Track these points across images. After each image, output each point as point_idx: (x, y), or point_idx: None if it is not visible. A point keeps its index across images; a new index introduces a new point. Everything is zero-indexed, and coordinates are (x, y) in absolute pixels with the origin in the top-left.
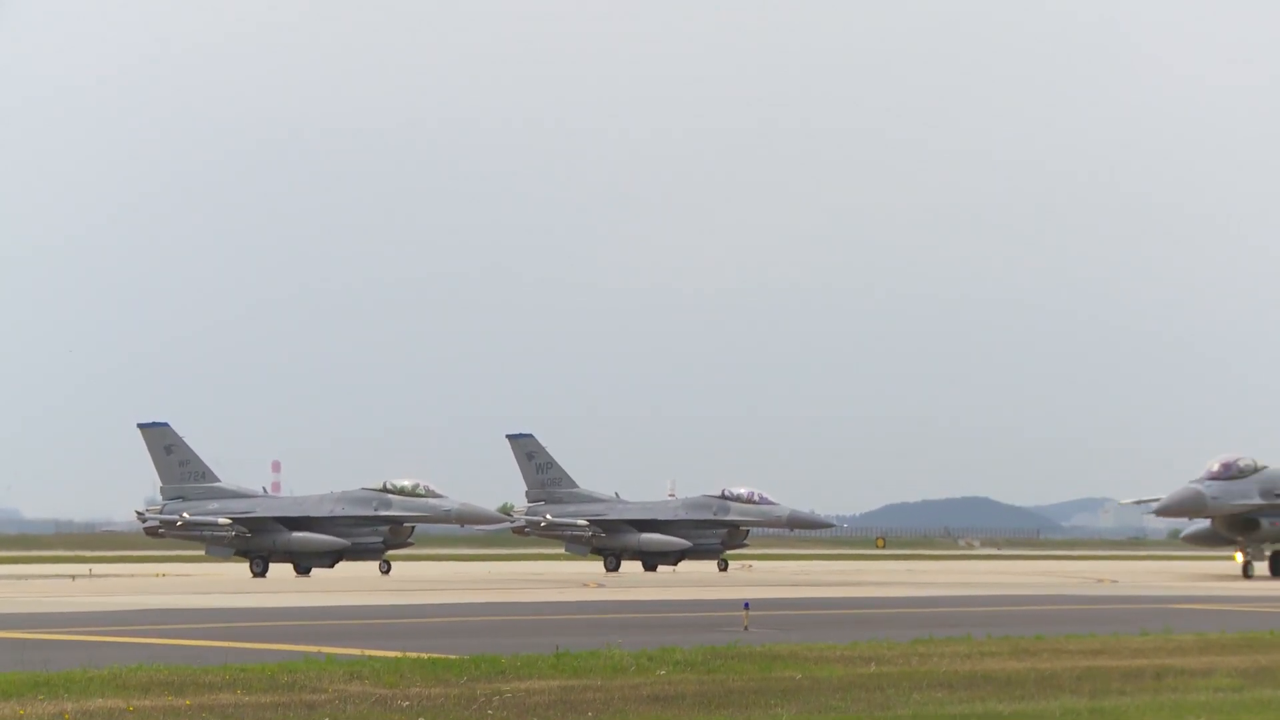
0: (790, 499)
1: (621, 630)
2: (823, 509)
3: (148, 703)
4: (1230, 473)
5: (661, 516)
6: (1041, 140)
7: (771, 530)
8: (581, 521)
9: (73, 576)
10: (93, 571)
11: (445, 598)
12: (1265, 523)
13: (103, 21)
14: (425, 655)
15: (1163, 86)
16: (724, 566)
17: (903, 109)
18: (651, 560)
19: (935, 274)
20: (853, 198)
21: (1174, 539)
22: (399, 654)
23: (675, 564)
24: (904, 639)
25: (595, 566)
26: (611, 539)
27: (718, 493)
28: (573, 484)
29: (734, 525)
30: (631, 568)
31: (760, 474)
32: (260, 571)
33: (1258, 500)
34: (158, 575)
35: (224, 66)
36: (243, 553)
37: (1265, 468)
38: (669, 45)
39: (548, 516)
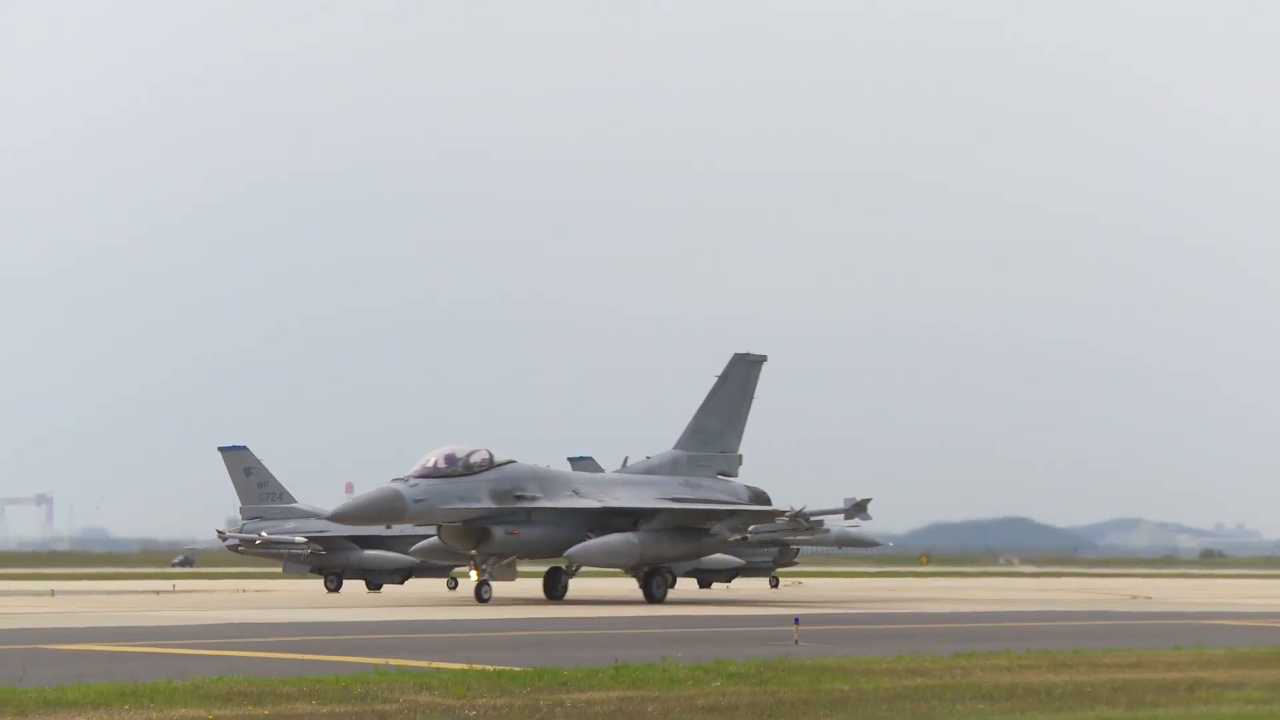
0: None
1: (678, 644)
2: (869, 528)
3: (228, 712)
4: (453, 468)
5: None
6: (1072, 181)
7: (820, 549)
8: None
9: (157, 592)
10: (176, 588)
11: (510, 613)
12: (499, 532)
13: (178, 28)
14: (491, 667)
15: (1189, 129)
16: (775, 583)
17: (942, 152)
18: (706, 578)
19: (978, 307)
20: (898, 232)
21: (1207, 558)
22: (466, 666)
23: (729, 581)
24: (946, 653)
25: None
26: None
27: None
28: None
29: (785, 544)
30: (687, 585)
31: (810, 496)
32: (334, 587)
33: (487, 503)
34: (238, 591)
35: (296, 81)
36: (318, 569)
37: (508, 463)
38: (716, 88)
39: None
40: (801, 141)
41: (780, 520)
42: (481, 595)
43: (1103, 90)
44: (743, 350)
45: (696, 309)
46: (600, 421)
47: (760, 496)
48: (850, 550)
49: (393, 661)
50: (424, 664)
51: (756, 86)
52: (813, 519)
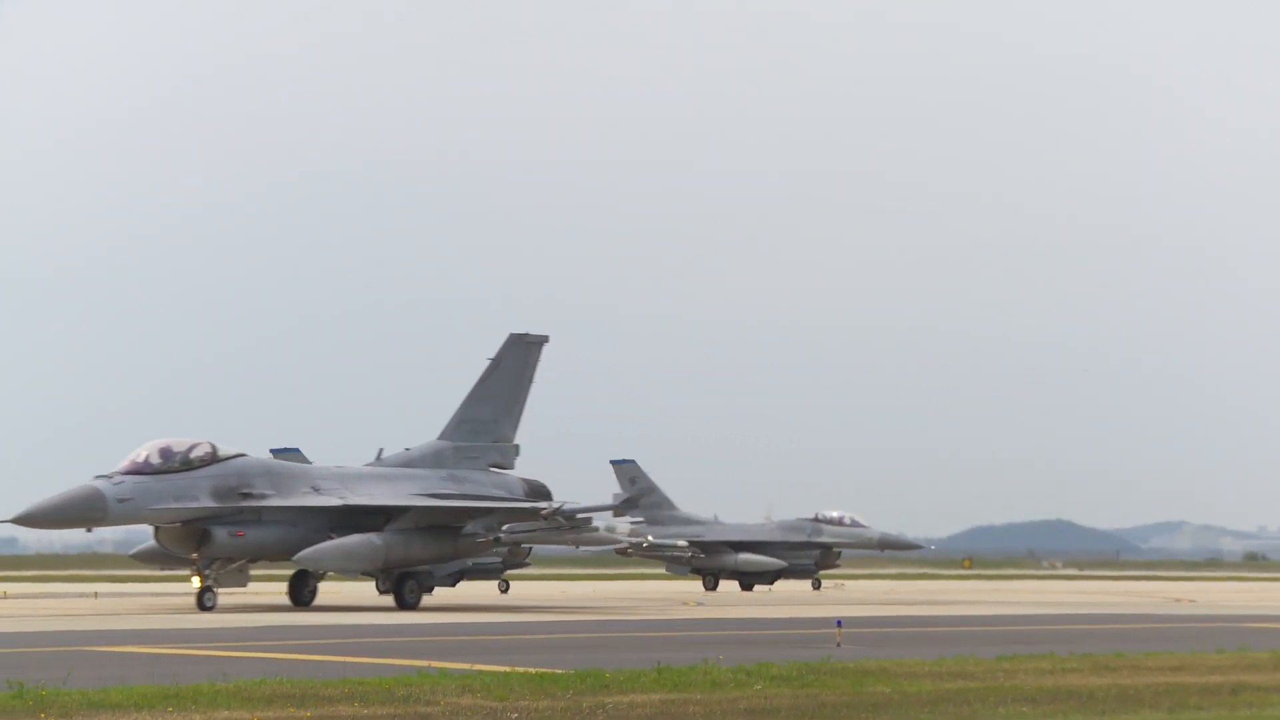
0: (880, 522)
1: (720, 646)
2: (911, 532)
3: (270, 714)
4: (168, 464)
5: (758, 538)
6: (1097, 185)
7: (863, 551)
8: (681, 542)
9: None
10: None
11: (553, 616)
12: (221, 533)
13: (179, 29)
14: (533, 670)
15: (1193, 132)
16: (817, 586)
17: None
18: (748, 580)
19: (1021, 314)
20: (931, 241)
21: (1250, 561)
22: (508, 668)
23: (771, 583)
24: (989, 656)
25: (694, 586)
26: (710, 559)
27: (811, 516)
28: (673, 507)
29: (827, 546)
30: (729, 587)
31: (852, 498)
32: (386, 589)
33: (208, 502)
34: (281, 594)
35: (296, 81)
36: (366, 572)
37: (236, 457)
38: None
39: (649, 538)
40: (803, 143)
41: (541, 517)
42: (204, 603)
43: (1103, 91)
44: (521, 330)
45: (698, 311)
46: (642, 426)
47: (539, 490)
48: (893, 553)
49: (435, 664)
50: (466, 666)
51: (755, 87)
52: (578, 516)
